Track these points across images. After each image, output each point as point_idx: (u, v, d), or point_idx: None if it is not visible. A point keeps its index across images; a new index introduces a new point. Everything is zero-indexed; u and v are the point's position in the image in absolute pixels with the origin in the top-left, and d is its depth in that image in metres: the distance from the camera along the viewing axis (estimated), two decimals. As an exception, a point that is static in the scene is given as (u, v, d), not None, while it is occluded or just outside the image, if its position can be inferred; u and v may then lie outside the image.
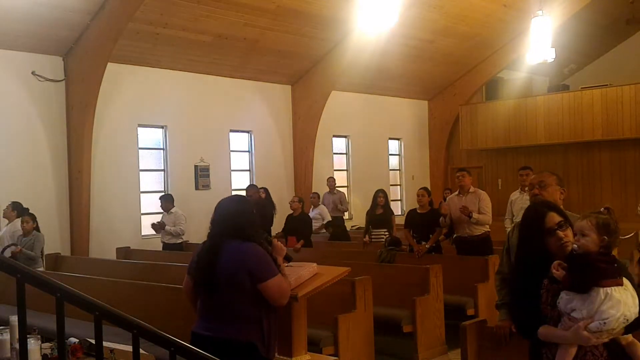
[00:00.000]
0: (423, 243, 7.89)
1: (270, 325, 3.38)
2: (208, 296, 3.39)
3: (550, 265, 2.74)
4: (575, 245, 2.70)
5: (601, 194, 14.65)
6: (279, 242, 3.65)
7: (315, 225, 10.76)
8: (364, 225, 10.38)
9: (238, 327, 3.30)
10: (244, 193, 12.97)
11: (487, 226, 7.73)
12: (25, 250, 7.77)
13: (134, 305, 5.53)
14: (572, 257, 2.71)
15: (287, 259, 3.73)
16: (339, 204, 12.14)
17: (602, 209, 2.85)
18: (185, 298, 3.63)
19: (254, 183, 11.56)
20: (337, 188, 12.71)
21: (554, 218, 2.83)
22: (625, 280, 2.64)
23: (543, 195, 3.61)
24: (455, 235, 7.91)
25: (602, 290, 2.58)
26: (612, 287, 2.59)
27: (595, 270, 2.62)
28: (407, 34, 12.65)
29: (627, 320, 2.60)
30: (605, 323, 2.56)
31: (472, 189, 7.73)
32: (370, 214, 9.67)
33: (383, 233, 9.30)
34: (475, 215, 7.46)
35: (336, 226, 11.40)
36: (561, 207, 3.10)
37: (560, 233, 2.79)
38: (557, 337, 2.72)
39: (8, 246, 8.03)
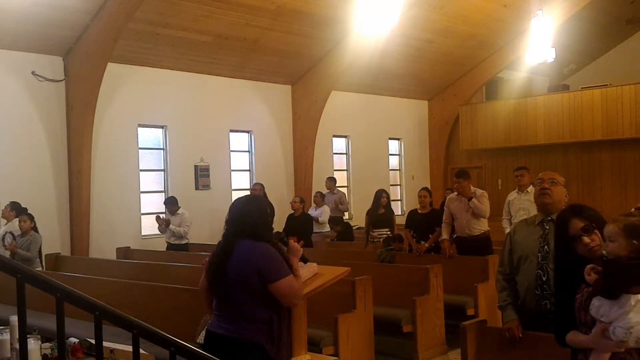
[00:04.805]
0: (422, 243, 7.95)
1: (280, 326, 3.35)
2: (220, 295, 3.40)
3: None
4: (604, 251, 2.62)
5: (601, 194, 14.64)
6: (296, 243, 3.61)
7: (317, 226, 10.76)
8: (364, 225, 10.32)
9: (246, 327, 3.29)
10: (243, 193, 13.06)
11: (486, 225, 7.72)
12: (22, 251, 7.72)
13: (134, 305, 5.54)
14: (604, 262, 2.63)
15: (304, 260, 3.68)
16: (339, 204, 12.13)
17: (632, 210, 2.78)
18: (202, 297, 3.65)
19: (253, 183, 11.48)
20: (337, 188, 12.66)
21: (577, 224, 2.80)
22: None
23: (552, 190, 3.65)
24: (455, 235, 7.92)
25: (632, 297, 2.48)
26: None
27: (624, 276, 2.52)
28: (407, 34, 12.64)
29: None
30: (631, 332, 2.46)
31: (472, 189, 7.68)
32: (372, 214, 9.43)
33: (386, 233, 9.21)
34: (474, 200, 7.42)
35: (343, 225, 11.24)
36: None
37: (586, 239, 2.75)
38: (580, 342, 2.67)
39: (7, 233, 8.03)
